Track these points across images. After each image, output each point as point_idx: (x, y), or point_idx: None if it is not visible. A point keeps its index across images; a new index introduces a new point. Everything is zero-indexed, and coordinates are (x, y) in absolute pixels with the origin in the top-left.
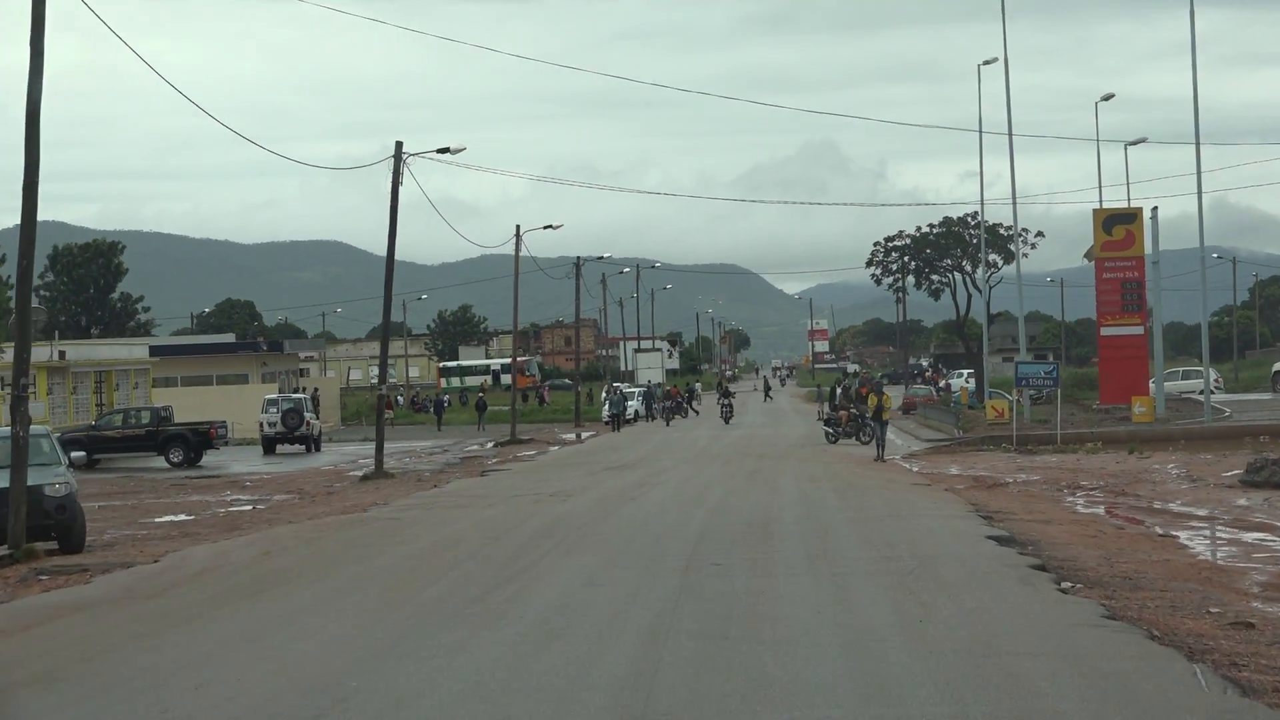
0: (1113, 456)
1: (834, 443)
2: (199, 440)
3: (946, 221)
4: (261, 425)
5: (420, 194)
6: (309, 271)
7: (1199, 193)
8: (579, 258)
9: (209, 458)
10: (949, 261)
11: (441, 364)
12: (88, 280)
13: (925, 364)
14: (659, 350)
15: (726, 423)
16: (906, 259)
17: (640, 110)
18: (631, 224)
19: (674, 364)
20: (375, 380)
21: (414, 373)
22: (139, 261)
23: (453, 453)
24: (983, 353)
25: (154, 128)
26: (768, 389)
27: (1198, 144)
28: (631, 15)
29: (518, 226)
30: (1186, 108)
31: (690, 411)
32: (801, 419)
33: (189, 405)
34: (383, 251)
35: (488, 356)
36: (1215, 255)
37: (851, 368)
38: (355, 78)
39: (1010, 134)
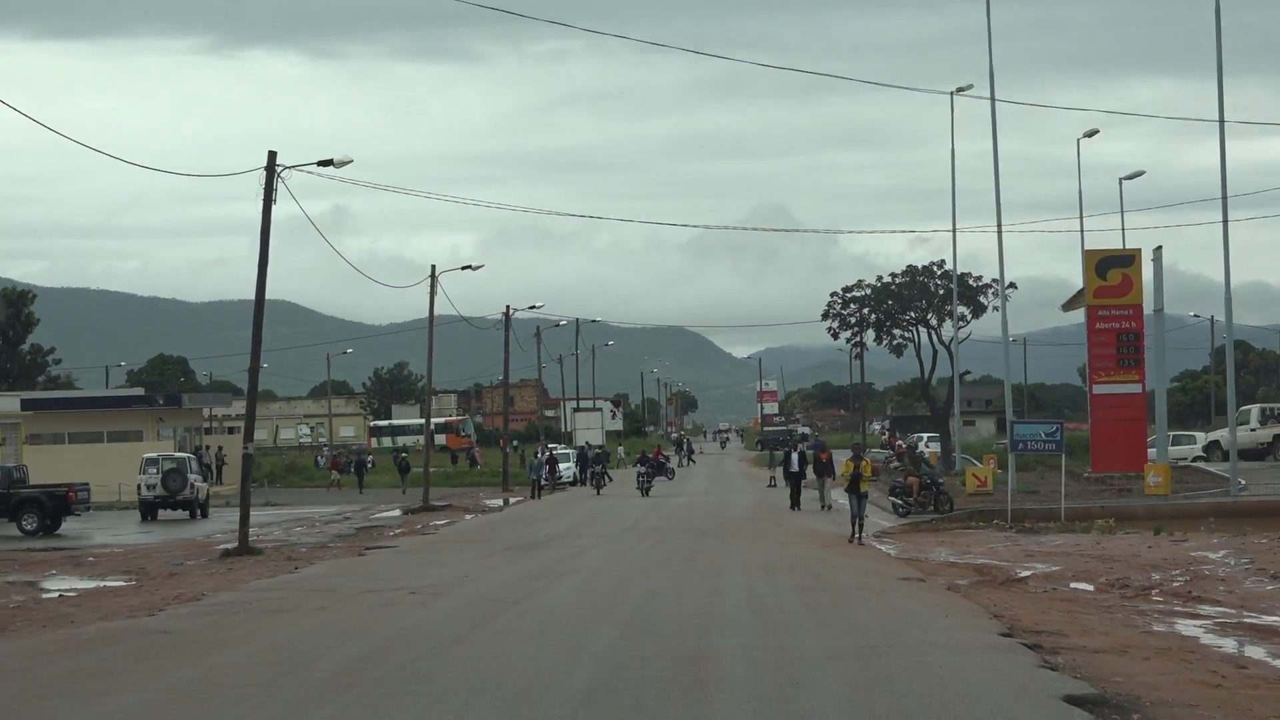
0: (1137, 538)
1: (904, 515)
2: (56, 505)
3: (910, 271)
4: (139, 488)
5: (370, 251)
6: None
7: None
8: (509, 306)
9: (72, 525)
10: (913, 314)
11: (373, 423)
12: None
13: (878, 426)
14: (598, 410)
15: (645, 494)
16: (866, 311)
17: (590, 173)
18: (580, 286)
19: (617, 425)
20: (304, 439)
21: (349, 432)
22: (84, 318)
23: (354, 520)
24: (951, 413)
25: (103, 185)
26: (690, 451)
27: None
28: (581, 79)
29: (433, 267)
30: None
31: (605, 480)
32: (751, 484)
33: (71, 465)
34: (331, 310)
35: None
36: (1193, 315)
37: (803, 429)
38: (305, 137)
39: (997, 175)
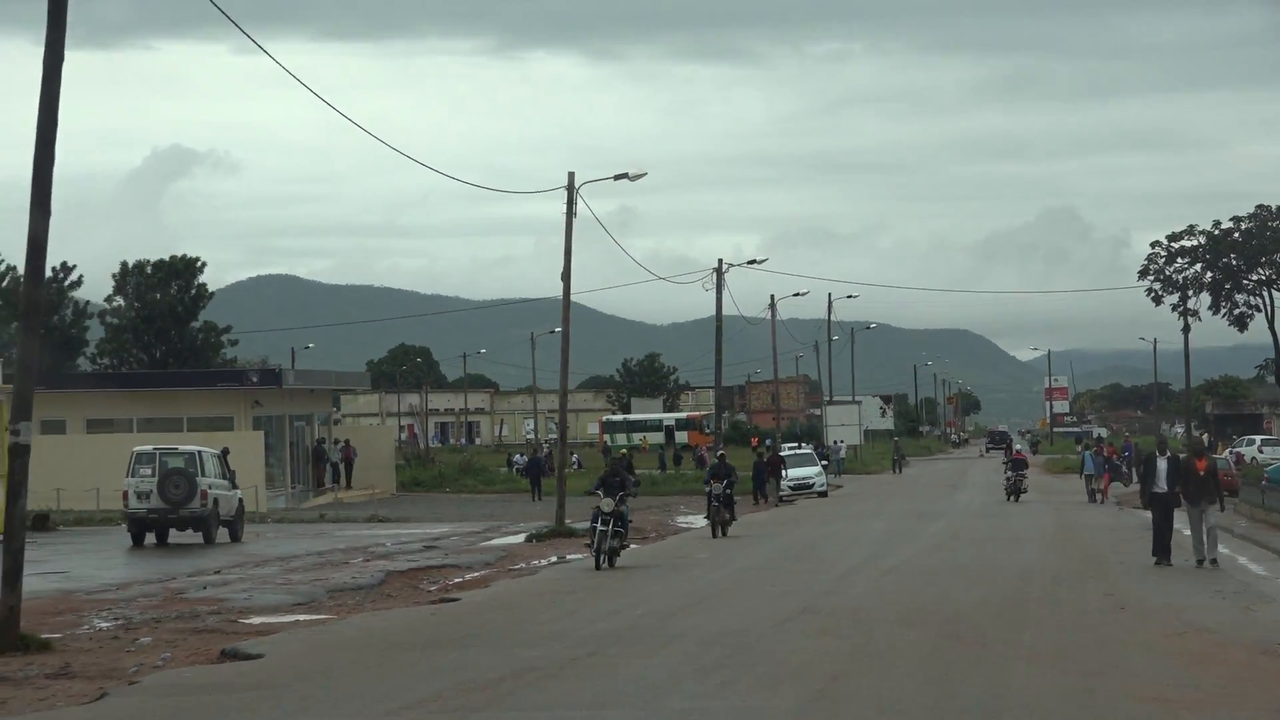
0: None
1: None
2: None
3: (1260, 214)
4: (126, 497)
5: (655, 251)
6: (537, 329)
7: None
8: (773, 295)
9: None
10: (1262, 273)
11: (605, 418)
12: (162, 305)
13: (1180, 429)
14: (855, 404)
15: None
16: (1199, 268)
17: (871, 174)
18: (861, 288)
19: (888, 423)
20: (552, 435)
21: (596, 429)
22: (367, 313)
23: (443, 548)
24: None
25: (388, 184)
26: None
27: None
28: (861, 80)
29: (720, 261)
30: None
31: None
32: (1051, 509)
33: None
34: (610, 309)
35: (667, 410)
36: None
37: (1098, 431)
38: (585, 139)
39: None
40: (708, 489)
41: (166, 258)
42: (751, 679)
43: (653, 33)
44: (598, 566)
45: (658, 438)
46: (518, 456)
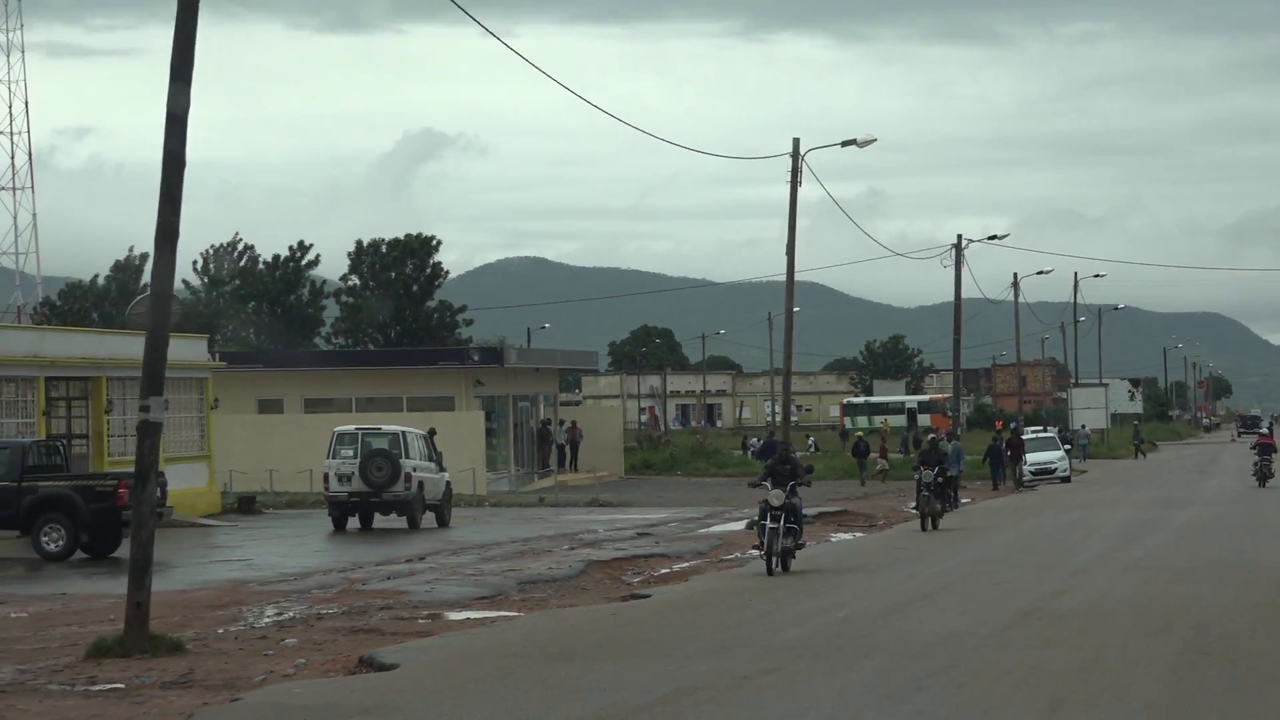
0: None
1: None
2: (99, 511)
3: None
4: (326, 479)
5: (902, 234)
6: (780, 310)
7: None
8: (1015, 274)
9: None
10: None
11: (846, 400)
12: (397, 283)
13: None
14: (1102, 386)
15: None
16: None
17: (1122, 156)
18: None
19: (1136, 407)
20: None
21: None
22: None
23: (659, 535)
24: None
25: (636, 167)
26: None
27: None
28: (1112, 61)
29: (959, 237)
30: None
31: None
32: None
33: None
34: (857, 292)
35: (910, 392)
36: None
37: None
38: (832, 120)
39: None
40: (916, 476)
41: (401, 236)
42: (954, 707)
43: (901, 14)
44: (769, 571)
45: (899, 420)
46: (753, 440)
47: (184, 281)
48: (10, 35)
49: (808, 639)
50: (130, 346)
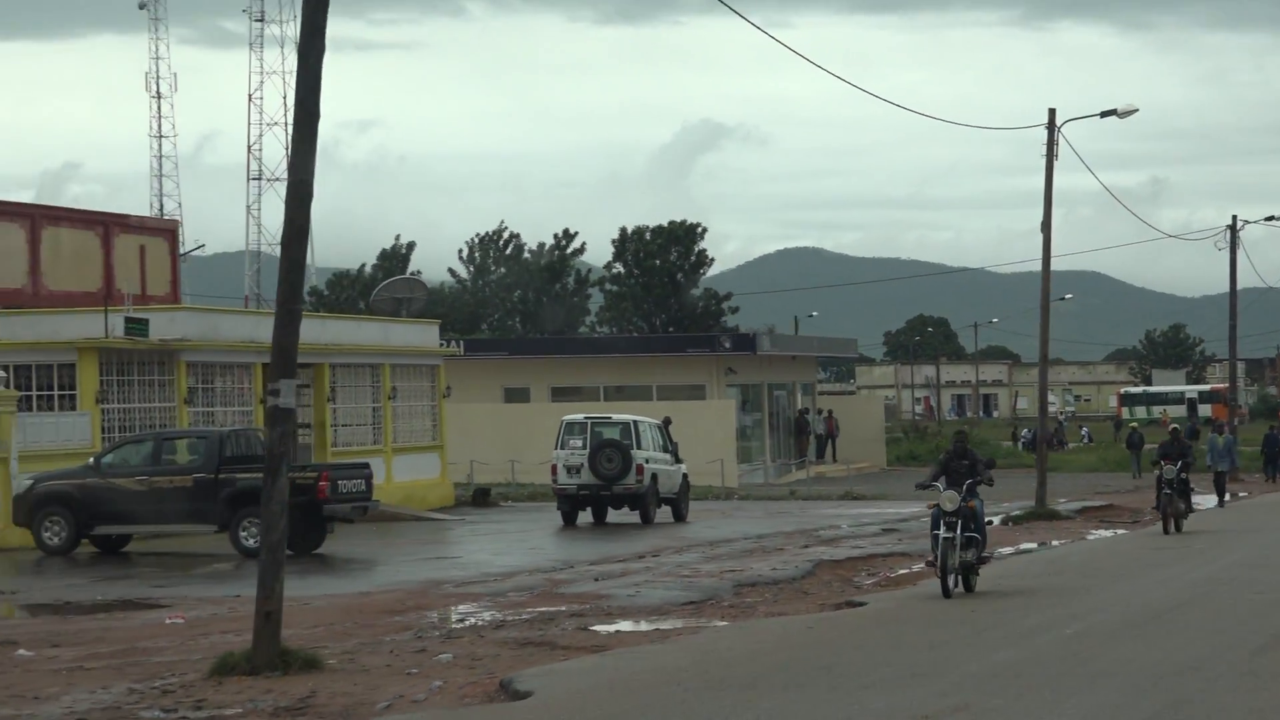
0: None
1: None
2: (299, 505)
3: None
4: (555, 471)
5: (1185, 223)
6: (1063, 302)
7: None
8: None
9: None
10: None
11: (1124, 390)
12: (661, 271)
13: None
14: None
15: None
16: None
17: None
18: None
19: None
20: (1068, 408)
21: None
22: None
23: (905, 531)
24: None
25: (915, 156)
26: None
27: None
28: None
29: (1233, 218)
30: None
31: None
32: None
33: None
34: (1140, 281)
35: (1191, 382)
36: None
37: None
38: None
39: None
40: (1157, 472)
41: (665, 223)
42: None
43: (1184, 1)
44: (945, 592)
45: (1178, 411)
46: (1024, 431)
47: (450, 270)
48: (284, 27)
49: (1015, 665)
50: (356, 332)
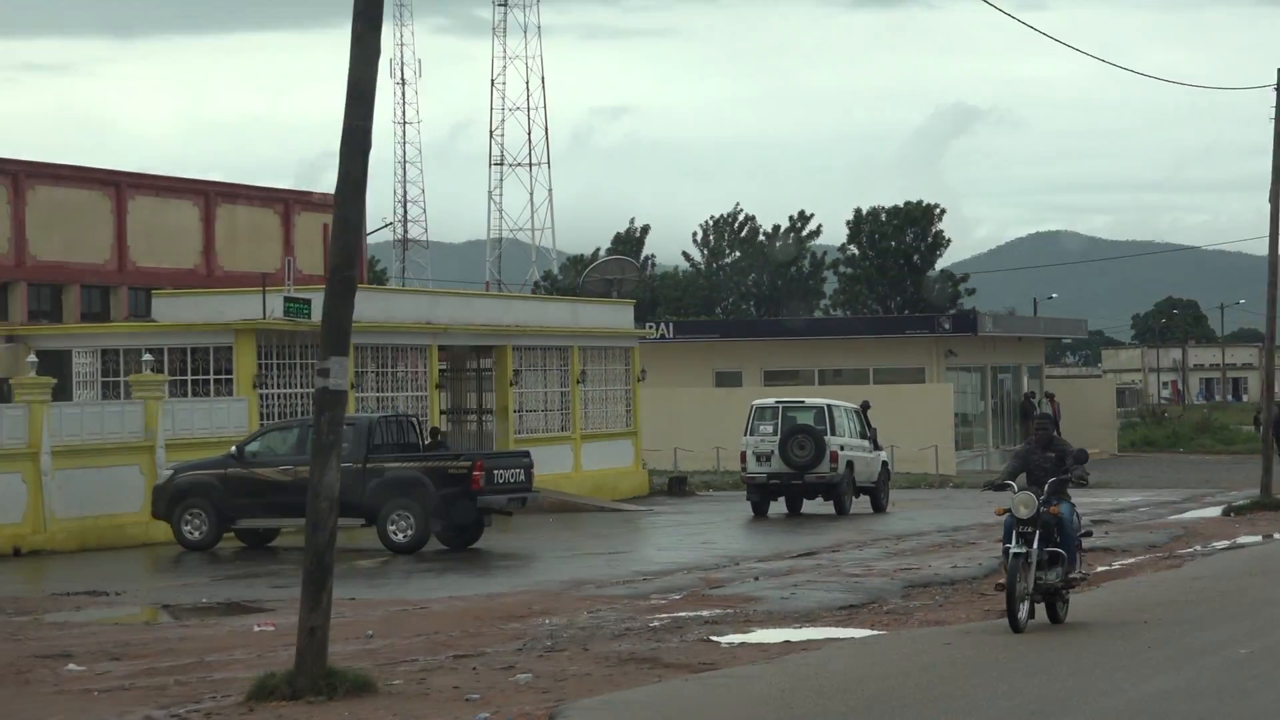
0: None
1: None
2: (451, 496)
3: None
4: (744, 458)
5: None
6: None
7: None
8: None
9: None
10: None
11: None
12: (897, 253)
13: None
14: None
15: None
16: None
17: None
18: None
19: None
20: None
21: None
22: (1144, 269)
23: (1119, 521)
24: None
25: (1169, 138)
26: None
27: None
28: None
29: None
30: None
31: None
32: None
33: None
34: None
35: None
36: None
37: None
38: None
39: None
40: None
41: (901, 203)
42: None
43: None
44: (1014, 625)
45: None
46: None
47: (684, 254)
48: (526, 12)
49: (1168, 696)
50: (542, 313)
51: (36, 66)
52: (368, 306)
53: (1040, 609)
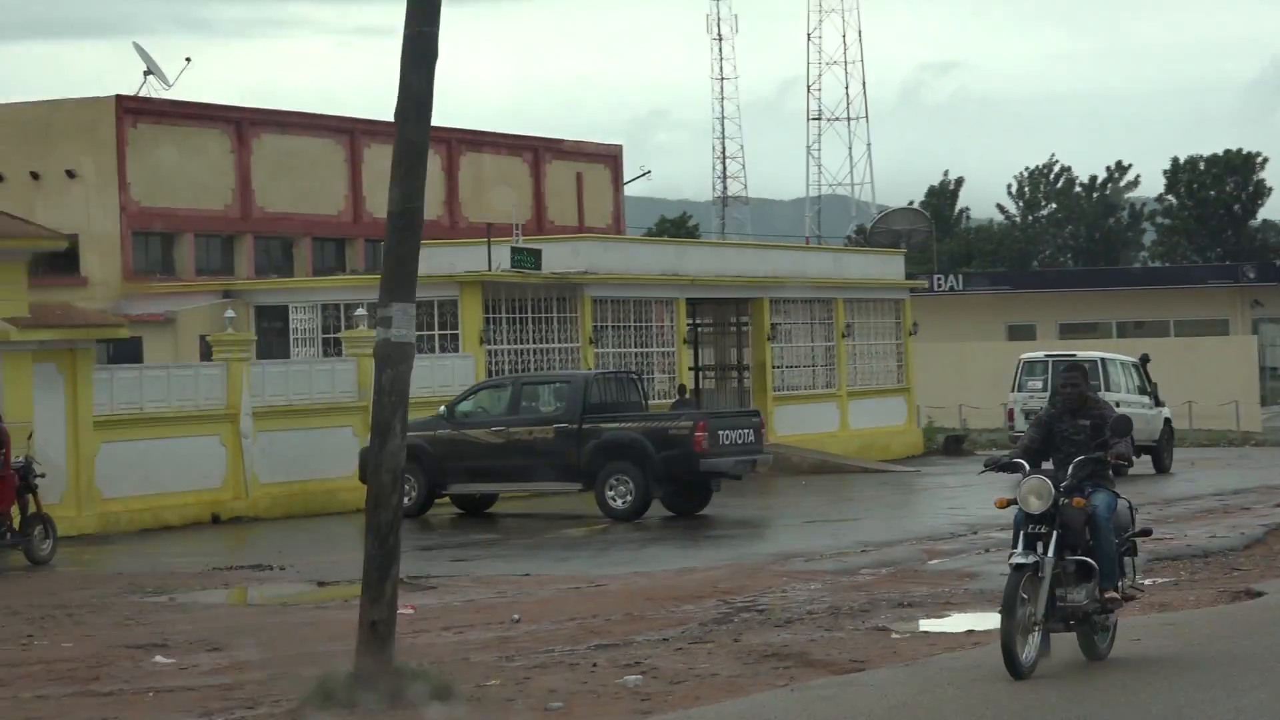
0: None
1: None
2: (672, 459)
3: None
4: (1010, 416)
5: None
6: None
7: None
8: None
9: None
10: None
11: None
12: (1217, 203)
13: None
14: None
15: None
16: None
17: None
18: None
19: None
20: None
21: None
22: None
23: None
24: None
25: None
26: None
27: None
28: None
29: None
30: None
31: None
32: None
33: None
34: None
35: None
36: None
37: None
38: None
39: None
40: None
41: (1220, 152)
42: None
43: None
44: (1012, 669)
45: None
46: None
47: (998, 205)
48: None
49: None
50: (801, 263)
51: (368, 30)
52: (605, 257)
53: (1070, 638)
